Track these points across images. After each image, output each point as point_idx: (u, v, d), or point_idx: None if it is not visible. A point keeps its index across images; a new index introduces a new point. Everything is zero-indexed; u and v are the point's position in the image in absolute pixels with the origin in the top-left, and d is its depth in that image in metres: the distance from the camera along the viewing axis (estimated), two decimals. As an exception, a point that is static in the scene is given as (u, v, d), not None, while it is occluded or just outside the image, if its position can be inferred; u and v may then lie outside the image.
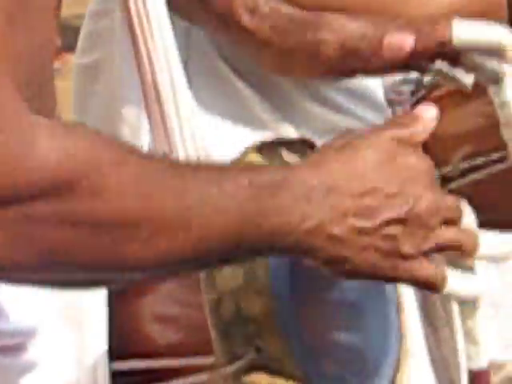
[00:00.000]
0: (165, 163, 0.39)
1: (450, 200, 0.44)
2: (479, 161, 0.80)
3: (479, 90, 0.76)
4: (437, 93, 0.84)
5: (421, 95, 0.87)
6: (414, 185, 0.41)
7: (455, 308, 0.73)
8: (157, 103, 0.67)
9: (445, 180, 0.78)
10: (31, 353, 0.47)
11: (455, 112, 0.83)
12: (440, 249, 0.42)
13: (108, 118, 0.86)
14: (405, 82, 0.90)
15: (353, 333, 0.57)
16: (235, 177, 0.39)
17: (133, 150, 0.38)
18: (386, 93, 0.92)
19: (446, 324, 0.86)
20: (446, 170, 0.79)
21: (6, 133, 0.32)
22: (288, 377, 0.54)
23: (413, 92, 0.89)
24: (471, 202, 0.64)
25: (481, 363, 0.67)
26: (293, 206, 0.39)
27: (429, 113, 0.46)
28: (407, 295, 0.64)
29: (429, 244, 0.42)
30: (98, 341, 0.50)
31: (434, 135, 0.53)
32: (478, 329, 0.66)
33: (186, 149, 0.65)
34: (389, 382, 0.57)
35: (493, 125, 0.77)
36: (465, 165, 0.80)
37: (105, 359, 0.49)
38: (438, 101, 0.81)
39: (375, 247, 0.40)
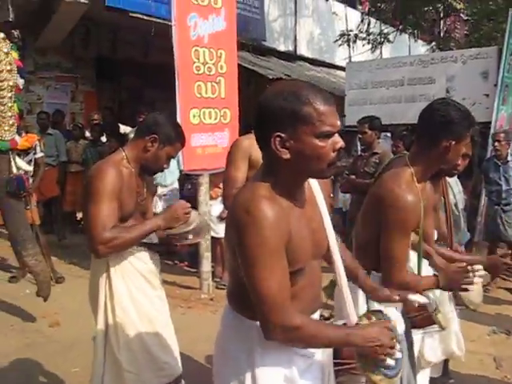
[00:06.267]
0: (324, 327, 1.64)
1: (391, 341, 1.64)
2: None
3: None
4: None
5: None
6: (384, 337, 1.62)
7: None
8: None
9: None
10: None
11: None
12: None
13: None
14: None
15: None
16: (340, 330, 1.65)
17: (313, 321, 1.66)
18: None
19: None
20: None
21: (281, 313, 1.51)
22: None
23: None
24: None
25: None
26: (356, 338, 1.60)
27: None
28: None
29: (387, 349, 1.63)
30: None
31: None
32: None
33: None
34: None
35: None
36: None
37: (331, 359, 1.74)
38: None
39: (379, 347, 1.61)
